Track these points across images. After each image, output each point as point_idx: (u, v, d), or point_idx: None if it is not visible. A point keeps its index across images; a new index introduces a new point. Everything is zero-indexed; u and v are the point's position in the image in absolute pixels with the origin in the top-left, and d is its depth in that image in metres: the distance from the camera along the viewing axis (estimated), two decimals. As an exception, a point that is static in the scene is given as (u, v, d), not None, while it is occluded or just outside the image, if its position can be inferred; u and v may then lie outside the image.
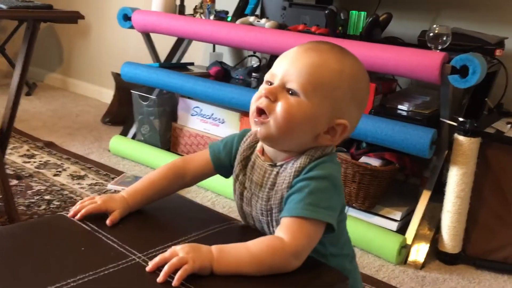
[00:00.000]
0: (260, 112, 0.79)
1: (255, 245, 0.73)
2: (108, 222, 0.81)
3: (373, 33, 1.82)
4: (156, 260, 0.70)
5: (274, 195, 0.81)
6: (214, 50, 2.54)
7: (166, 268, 0.68)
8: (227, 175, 0.92)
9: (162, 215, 0.86)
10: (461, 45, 1.68)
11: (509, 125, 1.70)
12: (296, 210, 0.75)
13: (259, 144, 0.86)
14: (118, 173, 2.09)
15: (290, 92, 0.78)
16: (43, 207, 1.74)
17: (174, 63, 2.38)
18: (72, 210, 0.83)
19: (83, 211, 0.82)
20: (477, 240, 1.63)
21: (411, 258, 1.62)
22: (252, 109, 0.80)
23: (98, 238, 0.76)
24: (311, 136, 0.80)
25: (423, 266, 1.60)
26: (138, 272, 0.69)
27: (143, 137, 2.32)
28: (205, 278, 0.69)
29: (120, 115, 2.67)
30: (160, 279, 0.67)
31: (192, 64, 2.43)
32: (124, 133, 2.42)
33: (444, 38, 1.60)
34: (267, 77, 0.82)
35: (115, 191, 1.91)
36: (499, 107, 1.85)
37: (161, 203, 0.87)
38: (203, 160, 0.91)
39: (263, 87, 0.80)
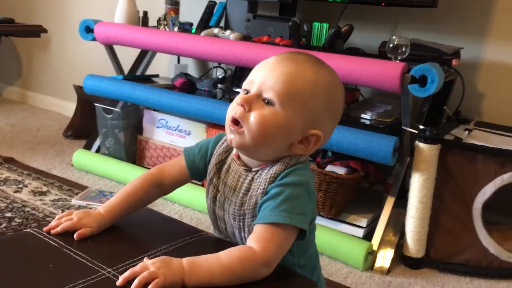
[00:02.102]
0: (235, 121, 0.80)
1: (226, 256, 0.73)
2: (75, 236, 0.80)
3: (336, 44, 1.86)
4: (126, 274, 0.69)
5: (248, 201, 0.82)
6: (178, 62, 2.53)
7: (136, 282, 0.68)
8: (201, 179, 0.93)
9: (131, 229, 0.85)
10: (419, 55, 1.74)
11: (466, 132, 1.76)
12: (270, 216, 0.76)
13: (235, 149, 0.87)
14: (82, 188, 2.05)
15: (266, 101, 0.79)
16: (4, 224, 1.68)
17: (138, 75, 2.36)
18: (48, 226, 0.82)
19: (59, 228, 0.81)
20: (439, 244, 1.68)
21: (377, 263, 1.66)
22: (228, 117, 0.82)
23: (67, 254, 0.75)
24: (285, 146, 0.81)
25: (389, 271, 1.64)
26: (108, 287, 0.68)
27: (107, 151, 2.29)
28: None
29: (83, 129, 2.63)
30: (131, 293, 0.67)
31: (157, 76, 2.42)
32: (88, 147, 2.38)
33: (403, 49, 1.65)
34: (245, 85, 0.83)
35: (80, 207, 1.87)
36: (457, 115, 1.92)
37: (130, 217, 0.87)
38: (179, 167, 0.91)
39: (240, 96, 0.82)
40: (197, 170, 0.91)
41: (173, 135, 2.14)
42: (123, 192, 0.88)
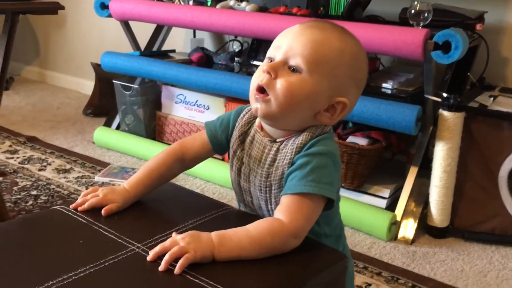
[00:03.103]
0: (261, 89, 0.79)
1: (255, 228, 0.73)
2: (103, 212, 0.81)
3: (355, 12, 1.82)
4: (157, 249, 0.70)
5: (275, 171, 0.81)
6: (194, 36, 2.51)
7: (167, 257, 0.68)
8: (223, 153, 0.92)
9: (157, 204, 0.86)
10: (442, 21, 1.69)
11: (491, 98, 1.72)
12: (298, 187, 0.75)
13: (258, 120, 0.86)
14: (104, 165, 2.07)
15: (292, 69, 0.78)
16: (30, 202, 1.71)
17: (155, 51, 2.35)
18: (75, 203, 0.83)
19: (85, 205, 0.82)
20: (464, 213, 1.66)
21: (401, 234, 1.65)
22: (253, 86, 0.80)
23: (95, 231, 0.75)
24: (311, 114, 0.80)
25: (413, 241, 1.63)
26: (138, 262, 0.69)
27: (127, 127, 2.30)
28: (207, 264, 0.69)
29: (102, 106, 2.64)
30: (161, 267, 0.67)
31: (173, 51, 2.40)
32: (108, 124, 2.39)
33: (426, 15, 1.60)
34: (269, 53, 0.82)
35: (103, 183, 1.89)
36: (481, 81, 1.87)
37: (154, 192, 0.87)
38: (201, 141, 0.91)
39: (265, 63, 0.80)
40: (219, 143, 0.90)
41: (192, 110, 2.14)
42: (146, 168, 0.88)
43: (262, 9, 2.00)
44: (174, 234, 0.72)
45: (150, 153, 2.11)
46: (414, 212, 1.69)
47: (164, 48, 2.44)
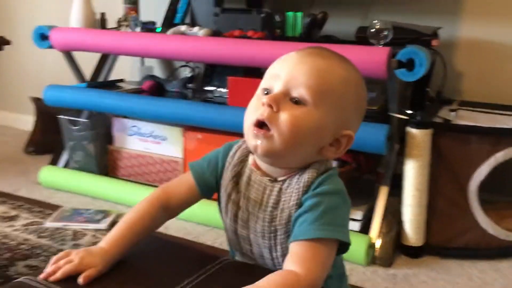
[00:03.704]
0: (260, 124, 0.71)
1: (268, 285, 0.64)
2: (81, 280, 0.69)
3: (312, 33, 1.79)
4: None
5: (280, 214, 0.73)
6: (143, 64, 2.40)
7: None
8: (211, 196, 0.83)
9: (143, 263, 0.75)
10: (398, 38, 1.68)
11: (453, 113, 1.73)
12: (311, 231, 0.68)
13: (251, 158, 0.78)
14: (54, 207, 1.90)
15: (295, 100, 0.71)
16: (-26, 258, 1.53)
17: (102, 82, 2.21)
18: (45, 272, 0.70)
19: (58, 274, 0.70)
20: (437, 230, 1.64)
21: (378, 257, 1.60)
22: (250, 120, 0.72)
23: (76, 306, 0.64)
24: (316, 150, 0.73)
25: (391, 263, 1.59)
26: None
27: (77, 164, 2.14)
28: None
29: (45, 143, 2.46)
30: None
31: (122, 80, 2.27)
32: (54, 163, 2.22)
33: (386, 33, 1.59)
34: (264, 83, 0.74)
35: (56, 229, 1.73)
36: (439, 96, 1.88)
37: (137, 248, 0.76)
38: (186, 185, 0.82)
39: (261, 95, 0.73)
40: (208, 186, 0.81)
41: (147, 141, 2.02)
42: (127, 221, 0.78)
43: (216, 33, 1.94)
44: (172, 301, 0.62)
45: (103, 190, 1.98)
46: (388, 233, 1.65)
47: (111, 78, 2.30)
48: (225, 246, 1.67)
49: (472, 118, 1.70)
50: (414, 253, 1.63)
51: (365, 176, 1.86)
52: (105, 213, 1.83)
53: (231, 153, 0.80)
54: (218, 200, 0.82)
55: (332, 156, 0.75)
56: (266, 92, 0.73)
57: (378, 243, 1.61)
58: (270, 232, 0.74)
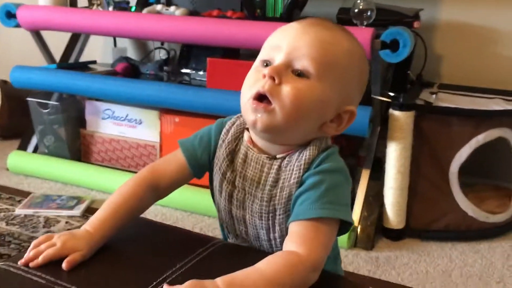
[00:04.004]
0: (260, 97, 0.66)
1: (269, 267, 0.60)
2: (64, 265, 0.64)
3: (293, 13, 1.75)
4: None
5: (279, 193, 0.69)
6: (115, 45, 2.31)
7: None
8: (202, 176, 0.79)
9: (131, 246, 0.70)
10: (381, 19, 1.66)
11: (433, 95, 1.73)
12: (313, 210, 0.64)
13: (247, 135, 0.74)
14: (24, 194, 1.82)
15: (298, 73, 0.67)
16: None
17: (73, 63, 2.12)
18: (25, 258, 0.65)
19: (40, 259, 0.64)
20: (419, 213, 1.64)
21: (360, 240, 1.59)
22: (250, 94, 0.68)
23: (60, 293, 0.59)
24: (317, 125, 0.69)
25: (373, 246, 1.58)
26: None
27: (47, 149, 2.05)
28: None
29: (12, 128, 2.35)
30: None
31: (94, 62, 2.19)
32: (23, 147, 2.12)
33: (369, 13, 1.57)
34: (263, 55, 0.70)
35: (25, 216, 1.65)
36: (420, 79, 1.88)
37: (124, 232, 0.71)
38: (176, 164, 0.76)
39: (262, 68, 0.68)
40: (200, 165, 0.76)
41: (122, 125, 1.95)
42: (112, 203, 0.73)
43: (193, 13, 1.87)
44: (165, 286, 0.58)
45: (76, 176, 1.90)
46: (370, 216, 1.64)
47: (82, 59, 2.21)
48: (205, 231, 1.63)
49: (453, 100, 1.70)
50: (395, 235, 1.62)
51: (347, 159, 1.84)
52: (79, 199, 1.76)
53: (224, 130, 0.76)
54: (210, 179, 0.78)
55: (332, 132, 0.72)
56: (266, 64, 0.69)
57: (360, 226, 1.60)
58: (268, 212, 0.70)
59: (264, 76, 0.66)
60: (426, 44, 1.82)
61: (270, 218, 0.70)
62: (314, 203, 0.65)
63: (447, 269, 1.47)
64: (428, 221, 1.64)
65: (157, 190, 0.76)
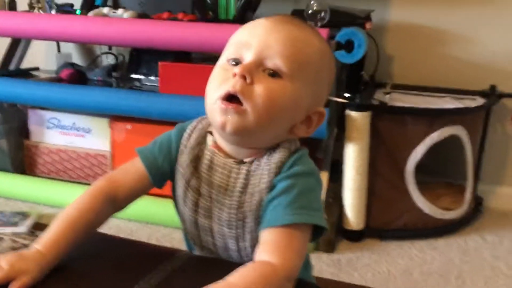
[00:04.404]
0: (230, 98, 0.62)
1: (241, 280, 0.56)
2: None
3: (246, 15, 1.72)
4: None
5: (249, 199, 0.65)
6: (59, 51, 2.20)
7: None
8: (163, 186, 0.74)
9: (88, 265, 0.64)
10: (334, 21, 1.66)
11: (387, 95, 1.74)
12: (285, 216, 0.61)
13: (211, 139, 0.69)
14: (-37, 211, 1.69)
15: (270, 72, 0.63)
16: None
17: (14, 70, 2.00)
18: None
19: None
20: (377, 213, 1.64)
21: (321, 243, 1.57)
22: (219, 94, 0.63)
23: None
24: (288, 127, 0.67)
25: (334, 248, 1.57)
26: None
27: (-13, 163, 1.92)
28: None
29: None
30: None
31: (37, 69, 2.07)
32: (-40, 161, 1.97)
33: (322, 14, 1.56)
34: (230, 53, 0.65)
35: (-34, 235, 1.53)
36: (372, 79, 1.89)
37: (79, 248, 0.65)
38: (135, 173, 0.71)
39: (231, 67, 0.64)
40: (161, 174, 0.71)
41: (70, 135, 1.85)
42: (66, 217, 0.66)
43: (142, 16, 1.81)
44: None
45: (20, 190, 1.79)
46: (330, 218, 1.63)
47: (24, 66, 2.09)
48: (162, 241, 1.57)
49: (406, 100, 1.72)
50: (356, 237, 1.62)
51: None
52: (24, 215, 1.65)
53: (185, 135, 0.71)
54: (172, 189, 0.73)
55: (302, 134, 0.69)
56: (235, 63, 0.65)
57: (321, 229, 1.58)
58: (237, 220, 0.66)
59: (235, 75, 0.62)
60: (378, 45, 1.83)
61: (239, 226, 0.66)
62: (286, 208, 0.62)
63: (408, 268, 1.48)
64: (387, 221, 1.65)
65: (115, 202, 0.70)
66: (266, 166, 0.65)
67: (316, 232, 0.65)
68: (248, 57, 0.64)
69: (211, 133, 0.70)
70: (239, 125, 0.63)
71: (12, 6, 1.96)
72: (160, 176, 0.71)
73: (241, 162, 0.67)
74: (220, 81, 0.64)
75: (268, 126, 0.64)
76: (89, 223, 0.67)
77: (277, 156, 0.65)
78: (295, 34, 0.65)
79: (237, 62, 0.65)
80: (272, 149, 0.67)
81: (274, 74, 0.63)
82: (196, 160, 0.69)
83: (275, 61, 0.63)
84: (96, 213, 0.68)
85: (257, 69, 0.63)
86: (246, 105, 0.62)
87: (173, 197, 0.73)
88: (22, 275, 0.59)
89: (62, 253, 0.64)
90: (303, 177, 0.64)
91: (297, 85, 0.64)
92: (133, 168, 0.71)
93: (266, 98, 0.62)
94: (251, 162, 0.67)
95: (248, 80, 0.62)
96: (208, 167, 0.68)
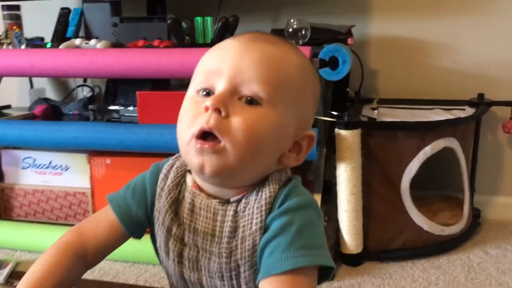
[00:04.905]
0: (205, 135, 0.55)
1: None
2: None
3: (224, 37, 1.66)
4: None
5: (241, 245, 0.57)
6: (32, 87, 2.12)
7: None
8: (141, 236, 0.65)
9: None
10: (314, 38, 1.61)
11: (375, 111, 1.69)
12: (287, 261, 0.53)
13: (190, 178, 0.61)
14: None
15: (248, 99, 0.55)
16: None
17: (-16, 110, 1.91)
18: None
19: None
20: (375, 233, 1.58)
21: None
22: (192, 132, 0.56)
23: None
24: (276, 158, 0.59)
25: (334, 275, 1.49)
26: None
27: (-41, 209, 1.81)
28: None
29: None
30: None
31: (8, 107, 1.98)
32: None
33: (303, 32, 1.51)
34: (199, 83, 0.58)
35: None
36: (358, 96, 1.84)
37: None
38: (107, 224, 0.64)
39: (202, 98, 0.57)
40: (135, 222, 0.63)
41: (46, 174, 1.75)
42: (32, 276, 0.58)
43: (116, 45, 1.74)
44: None
45: (-4, 236, 1.68)
46: (327, 243, 1.55)
47: (-6, 105, 2.00)
48: (151, 282, 1.47)
49: (394, 114, 1.68)
50: (355, 261, 1.55)
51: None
52: (1, 263, 1.54)
53: (161, 176, 0.63)
54: (151, 237, 0.65)
55: (292, 163, 0.62)
56: (206, 93, 0.58)
57: (318, 255, 1.50)
58: (230, 270, 0.58)
59: (207, 109, 0.55)
60: (361, 60, 1.79)
61: (233, 277, 0.58)
62: (285, 251, 0.54)
63: (413, 290, 1.40)
64: (386, 241, 1.58)
65: (85, 258, 0.63)
66: (256, 204, 0.58)
67: (323, 272, 0.58)
68: (220, 86, 0.57)
69: (190, 171, 0.62)
70: (218, 166, 0.55)
71: (-21, 43, 1.88)
72: (135, 226, 0.63)
73: (227, 202, 0.60)
74: (191, 117, 0.57)
75: (252, 162, 0.56)
76: (58, 282, 0.59)
77: (267, 191, 0.58)
78: (270, 52, 0.58)
79: (208, 92, 0.58)
80: (261, 183, 0.59)
81: (252, 101, 0.56)
82: (176, 203, 0.61)
83: (251, 87, 0.56)
84: (65, 271, 0.60)
85: (231, 99, 0.56)
86: (225, 142, 0.55)
87: (154, 247, 0.64)
88: None
89: None
90: (299, 211, 0.57)
91: (280, 110, 0.57)
92: (104, 217, 0.63)
93: (246, 131, 0.55)
94: (238, 201, 0.59)
95: (223, 113, 0.55)
96: (190, 211, 0.60)
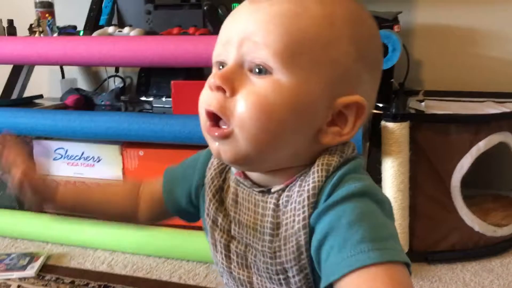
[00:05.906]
0: (215, 118, 0.48)
1: None
2: None
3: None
4: None
5: (284, 246, 0.48)
6: (63, 77, 2.08)
7: None
8: (192, 220, 0.60)
9: None
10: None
11: (422, 103, 1.59)
12: (346, 261, 0.42)
13: None
14: (-34, 255, 1.54)
15: (258, 70, 0.46)
16: None
17: (16, 99, 1.88)
18: None
19: None
20: (422, 233, 1.48)
21: (363, 271, 1.41)
22: (202, 116, 0.49)
23: None
24: (310, 136, 0.48)
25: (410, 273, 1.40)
26: None
27: (-9, 200, 1.78)
28: None
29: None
30: None
31: (40, 97, 1.94)
32: (-38, 200, 1.84)
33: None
34: (215, 56, 0.50)
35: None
36: (402, 87, 1.74)
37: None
38: (155, 187, 0.62)
39: (212, 74, 0.49)
40: (176, 204, 0.60)
41: (78, 165, 1.71)
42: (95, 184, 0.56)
43: (150, 33, 1.68)
44: None
45: (27, 228, 1.65)
46: (370, 243, 1.47)
47: (26, 94, 1.97)
48: (185, 279, 1.41)
49: (443, 107, 1.57)
50: (400, 262, 1.45)
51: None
52: (32, 256, 1.50)
53: (210, 161, 0.57)
54: (203, 227, 0.58)
55: (337, 139, 0.50)
56: (221, 67, 0.50)
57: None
58: (277, 273, 0.49)
59: (211, 87, 0.48)
60: (408, 49, 1.69)
61: (282, 282, 0.49)
62: (341, 251, 0.43)
63: (465, 295, 1.31)
64: (433, 242, 1.48)
65: (137, 204, 0.63)
66: (298, 198, 0.48)
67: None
68: (230, 57, 0.48)
69: None
70: (232, 153, 0.48)
71: (11, 31, 1.84)
72: (174, 206, 0.60)
73: (268, 192, 0.51)
74: (204, 97, 0.49)
75: (271, 144, 0.47)
76: (104, 199, 0.64)
77: (310, 181, 0.48)
78: (282, 7, 0.47)
79: (223, 65, 0.50)
80: (305, 165, 0.50)
81: (261, 71, 0.47)
82: (220, 192, 0.54)
83: (259, 54, 0.46)
84: (117, 198, 0.65)
85: (241, 71, 0.47)
86: (232, 126, 0.47)
87: (207, 239, 0.58)
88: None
89: (69, 197, 0.65)
90: (349, 200, 0.45)
91: (297, 77, 0.46)
92: (157, 181, 0.62)
93: (252, 109, 0.46)
94: (280, 192, 0.50)
95: (227, 92, 0.47)
96: (234, 201, 0.53)
